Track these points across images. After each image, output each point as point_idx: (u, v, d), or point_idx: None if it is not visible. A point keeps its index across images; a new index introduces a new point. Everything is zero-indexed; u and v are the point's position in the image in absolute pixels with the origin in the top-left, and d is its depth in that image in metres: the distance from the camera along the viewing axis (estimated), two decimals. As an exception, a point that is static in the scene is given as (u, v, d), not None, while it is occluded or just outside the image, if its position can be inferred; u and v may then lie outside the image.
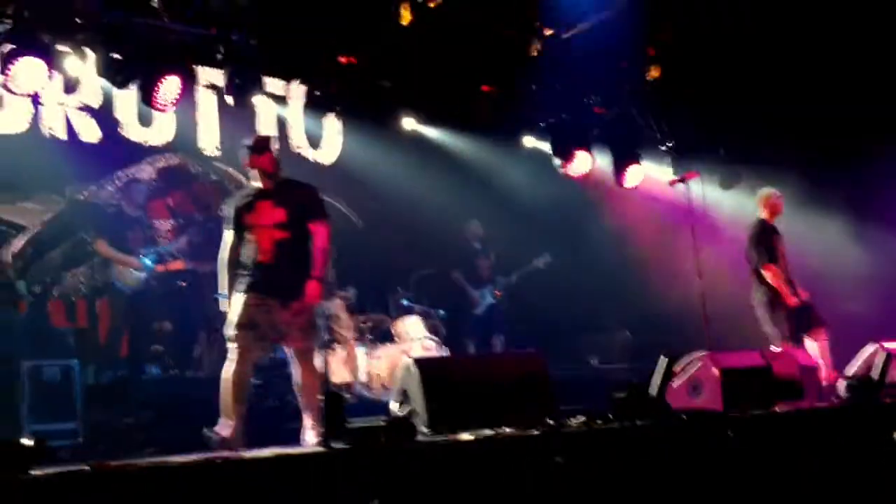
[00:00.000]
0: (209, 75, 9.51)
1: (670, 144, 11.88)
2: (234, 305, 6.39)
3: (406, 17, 8.87)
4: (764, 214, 9.13)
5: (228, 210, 6.68)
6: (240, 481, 4.25)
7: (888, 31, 10.19)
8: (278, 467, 4.48)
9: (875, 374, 6.60)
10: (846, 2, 10.10)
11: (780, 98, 11.09)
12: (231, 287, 6.49)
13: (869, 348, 7.68)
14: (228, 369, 6.26)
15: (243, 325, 6.28)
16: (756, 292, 8.92)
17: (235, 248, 6.54)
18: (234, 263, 6.51)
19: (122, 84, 8.45)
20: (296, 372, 6.50)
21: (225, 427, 6.17)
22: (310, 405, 6.41)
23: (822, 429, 5.78)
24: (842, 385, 6.81)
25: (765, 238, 8.94)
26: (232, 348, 6.30)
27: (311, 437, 6.29)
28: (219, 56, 8.87)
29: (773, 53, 10.73)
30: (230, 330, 6.31)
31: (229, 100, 9.08)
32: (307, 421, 6.43)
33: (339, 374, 9.54)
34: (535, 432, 4.92)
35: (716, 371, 6.45)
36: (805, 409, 6.24)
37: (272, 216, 6.48)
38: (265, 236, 6.45)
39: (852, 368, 7.62)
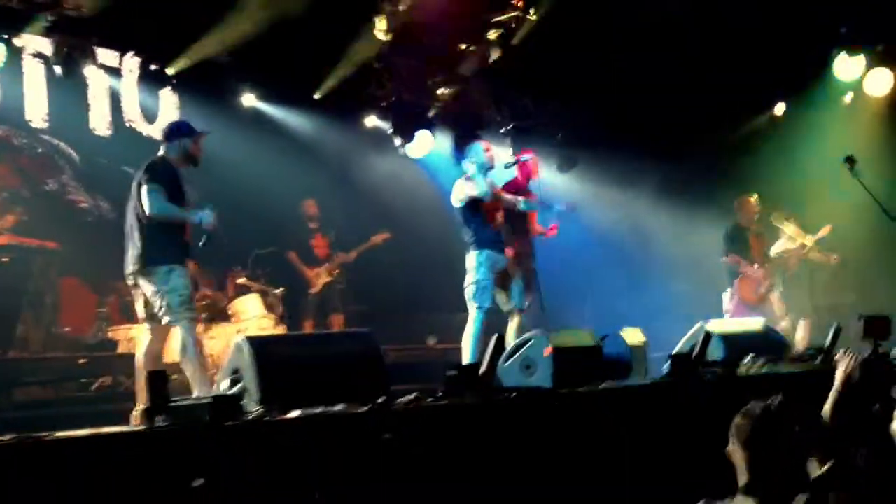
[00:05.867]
0: (36, 44, 9.14)
1: (510, 127, 12.04)
2: None
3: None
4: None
5: None
6: (54, 463, 4.11)
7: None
8: (95, 448, 4.34)
9: (694, 352, 6.83)
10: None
11: (616, 87, 11.40)
12: None
13: (695, 327, 7.97)
14: None
15: None
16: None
17: None
18: None
19: (-61, 49, 8.05)
20: None
21: None
22: None
23: (642, 405, 5.96)
24: (666, 363, 7.03)
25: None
26: None
27: None
28: (45, 24, 8.54)
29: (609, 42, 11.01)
30: None
31: (58, 70, 8.76)
32: None
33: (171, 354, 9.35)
34: (364, 409, 4.92)
35: (547, 350, 6.57)
36: (628, 387, 6.43)
37: None
38: None
39: (679, 347, 7.88)
